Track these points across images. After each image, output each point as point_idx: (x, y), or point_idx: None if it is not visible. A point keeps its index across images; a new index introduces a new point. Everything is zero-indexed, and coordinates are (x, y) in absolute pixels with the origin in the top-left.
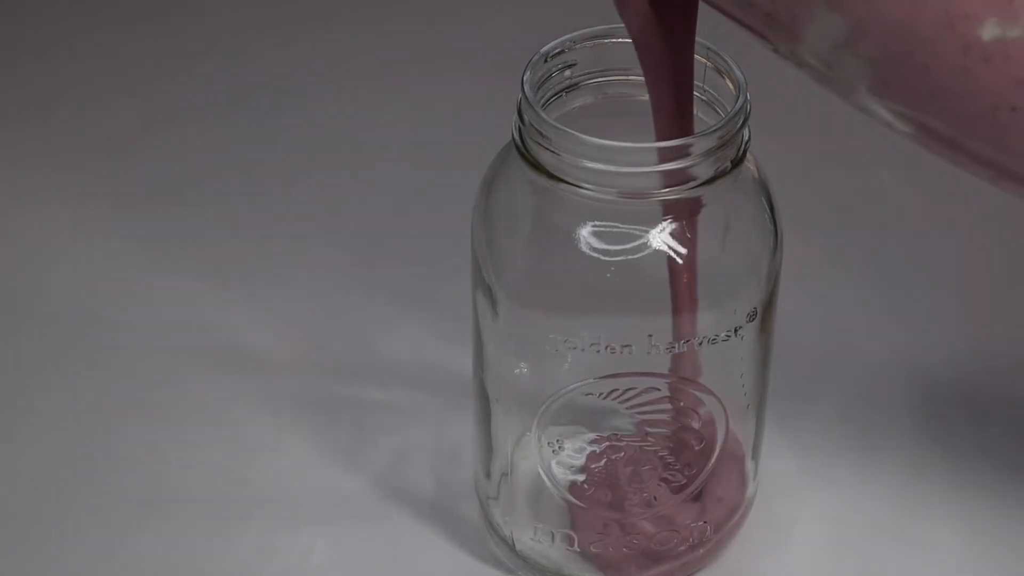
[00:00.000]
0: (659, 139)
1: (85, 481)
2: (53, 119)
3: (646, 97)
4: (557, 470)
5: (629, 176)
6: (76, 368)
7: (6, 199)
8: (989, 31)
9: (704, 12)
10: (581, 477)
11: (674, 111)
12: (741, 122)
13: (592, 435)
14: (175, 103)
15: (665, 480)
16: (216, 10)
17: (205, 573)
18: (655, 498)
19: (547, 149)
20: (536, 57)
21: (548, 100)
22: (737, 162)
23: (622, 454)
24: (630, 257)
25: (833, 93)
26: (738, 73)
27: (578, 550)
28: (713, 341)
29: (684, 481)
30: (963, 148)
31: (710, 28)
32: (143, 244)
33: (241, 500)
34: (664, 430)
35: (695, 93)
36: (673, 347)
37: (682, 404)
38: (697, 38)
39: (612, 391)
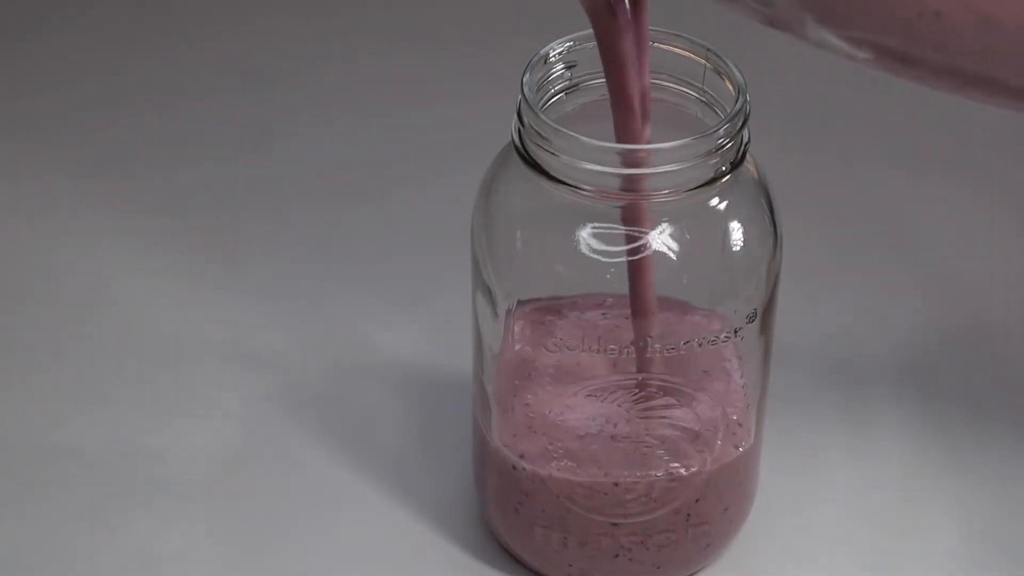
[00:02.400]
0: (616, 132)
1: (83, 475)
2: (62, 125)
3: None
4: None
5: (628, 178)
6: (77, 366)
7: (20, 202)
8: None
9: (700, 12)
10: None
11: (628, 102)
12: (741, 123)
13: (592, 436)
14: (179, 104)
15: (663, 482)
16: (218, 13)
17: (205, 570)
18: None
19: (546, 151)
20: (536, 58)
21: (548, 101)
22: (737, 163)
23: (621, 455)
24: (630, 258)
25: (791, 35)
26: (737, 74)
27: (575, 549)
28: (713, 342)
29: (683, 482)
30: (918, 62)
31: (710, 29)
32: (145, 243)
33: (240, 498)
34: (663, 431)
35: (694, 94)
36: (674, 348)
37: (682, 405)
38: (696, 39)
39: (612, 392)
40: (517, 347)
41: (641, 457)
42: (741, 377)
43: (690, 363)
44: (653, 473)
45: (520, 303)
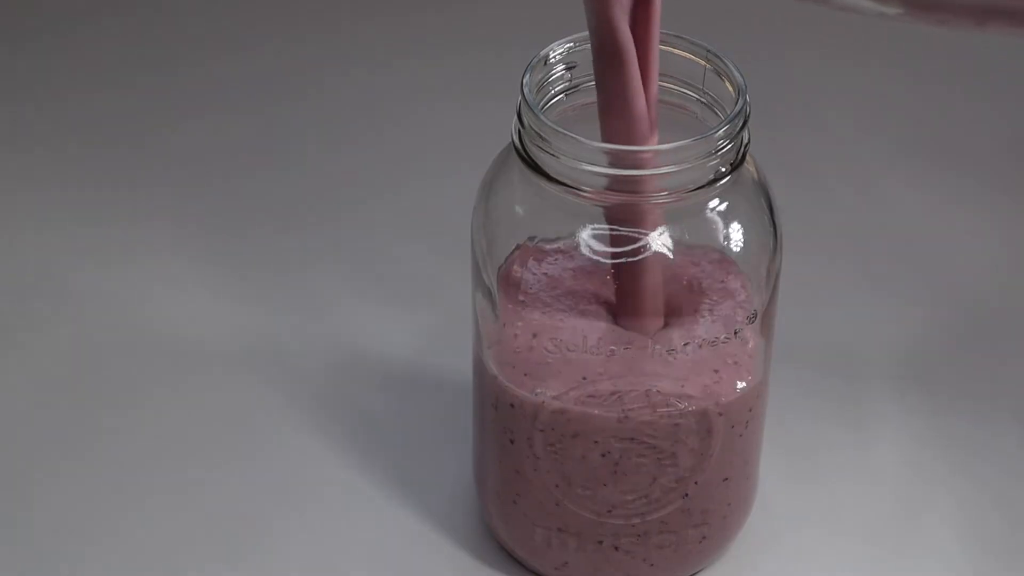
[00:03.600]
0: (606, 139)
1: (86, 472)
2: (75, 136)
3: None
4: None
5: (628, 179)
6: (79, 368)
7: (41, 207)
8: None
9: (700, 13)
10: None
11: (629, 108)
12: (740, 125)
13: (592, 437)
14: (179, 106)
15: (662, 484)
16: (217, 18)
17: (204, 570)
18: (649, 502)
19: (546, 152)
20: (536, 60)
21: (547, 102)
22: (737, 165)
23: (621, 456)
24: (630, 259)
25: (821, 4)
26: (737, 76)
27: (573, 547)
28: (713, 343)
29: (681, 483)
30: (942, 5)
31: (710, 30)
32: (144, 244)
33: (240, 498)
34: (663, 432)
35: (694, 95)
36: (673, 349)
37: (682, 406)
38: (696, 40)
39: (612, 393)
40: (517, 296)
41: (640, 457)
42: (740, 377)
43: (690, 363)
44: (651, 464)
45: (532, 239)
